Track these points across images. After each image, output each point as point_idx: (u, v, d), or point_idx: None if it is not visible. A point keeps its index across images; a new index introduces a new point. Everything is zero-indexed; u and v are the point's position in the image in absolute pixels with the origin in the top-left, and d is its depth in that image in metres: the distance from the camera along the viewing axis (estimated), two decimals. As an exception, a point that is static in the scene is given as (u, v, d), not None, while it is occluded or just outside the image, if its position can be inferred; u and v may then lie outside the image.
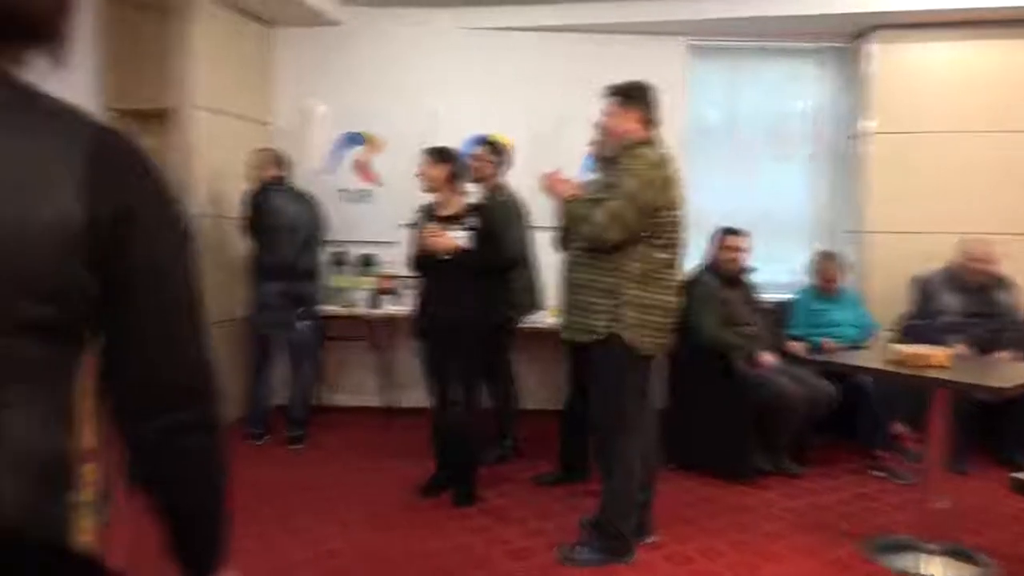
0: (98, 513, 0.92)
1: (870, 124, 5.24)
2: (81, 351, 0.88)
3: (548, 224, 4.89)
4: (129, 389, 0.90)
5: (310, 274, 4.74)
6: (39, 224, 0.79)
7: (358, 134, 5.44)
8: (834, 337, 4.56)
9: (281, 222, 4.53)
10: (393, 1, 5.27)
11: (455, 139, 4.67)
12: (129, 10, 4.82)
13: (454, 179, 3.75)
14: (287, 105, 5.45)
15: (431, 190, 3.75)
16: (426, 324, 3.77)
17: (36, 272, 0.79)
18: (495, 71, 5.38)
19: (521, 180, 4.68)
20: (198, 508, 0.99)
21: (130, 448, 0.92)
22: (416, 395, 4.65)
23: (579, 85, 5.14)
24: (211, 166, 4.78)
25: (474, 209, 3.76)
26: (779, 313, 4.91)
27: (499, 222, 4.12)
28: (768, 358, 4.26)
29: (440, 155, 3.73)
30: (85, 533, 0.88)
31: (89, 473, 0.91)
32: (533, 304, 4.42)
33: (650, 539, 3.27)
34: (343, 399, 5.49)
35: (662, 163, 2.94)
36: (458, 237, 3.64)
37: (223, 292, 4.81)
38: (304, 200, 4.71)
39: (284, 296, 4.58)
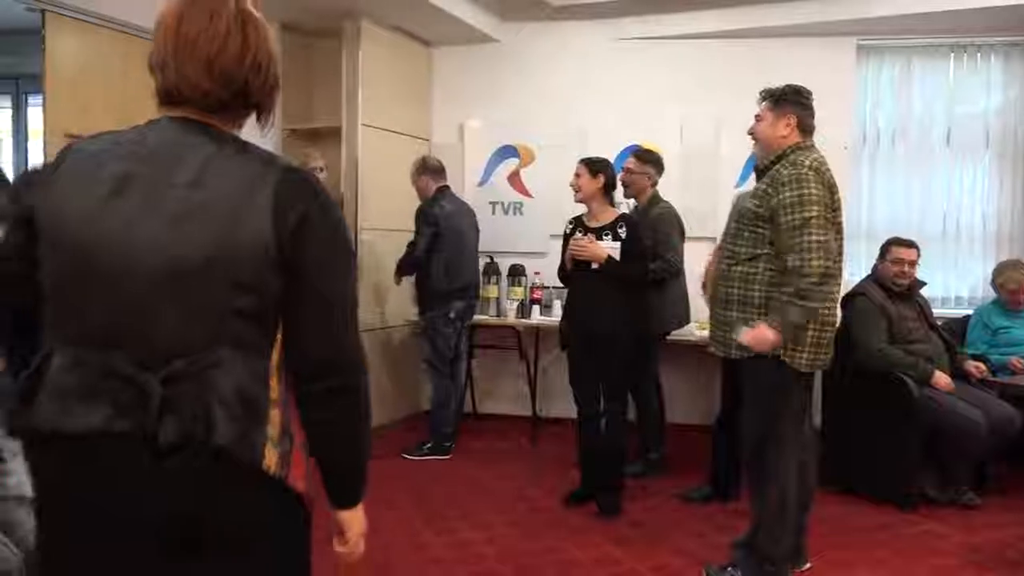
0: (280, 446, 1.21)
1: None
2: (272, 331, 1.23)
3: (702, 235, 4.86)
4: (296, 361, 1.24)
5: (477, 287, 4.89)
6: (243, 241, 1.15)
7: (511, 147, 5.57)
8: (1020, 356, 4.16)
9: (464, 238, 4.67)
10: (549, 16, 5.35)
11: (607, 150, 4.66)
12: (302, 37, 5.20)
13: (607, 190, 3.76)
14: (444, 121, 5.66)
15: (583, 200, 3.78)
16: (572, 334, 3.79)
17: (241, 273, 1.15)
18: (649, 81, 5.33)
19: (675, 190, 4.62)
20: (337, 455, 1.30)
21: (298, 402, 1.25)
22: (563, 405, 4.68)
23: (738, 92, 4.98)
24: (375, 181, 5.04)
25: (624, 221, 3.75)
26: (956, 330, 4.55)
27: (654, 234, 4.10)
28: (943, 378, 3.94)
29: (595, 165, 3.75)
30: (271, 460, 1.19)
31: (275, 416, 1.21)
32: (684, 316, 4.34)
33: (805, 566, 3.11)
34: (492, 407, 5.62)
35: (821, 167, 2.81)
36: (608, 248, 3.64)
37: (378, 299, 5.05)
38: (470, 212, 4.84)
39: (465, 310, 4.74)
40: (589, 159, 3.80)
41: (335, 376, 1.24)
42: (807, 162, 2.78)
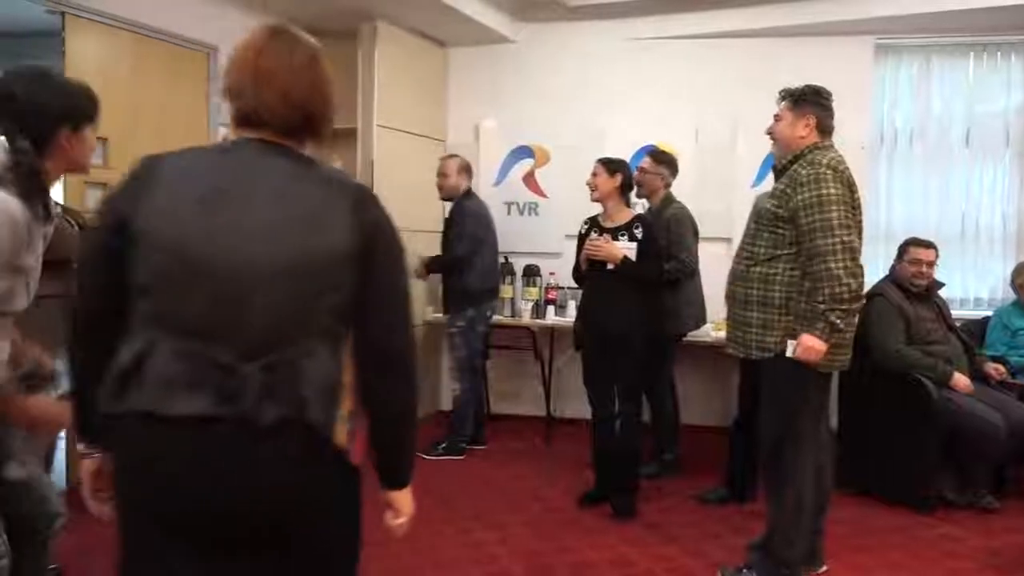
0: (349, 424, 1.37)
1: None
2: (349, 323, 1.40)
3: (717, 236, 4.84)
4: (362, 349, 1.41)
5: None
6: (327, 246, 1.33)
7: (526, 147, 5.57)
8: (1040, 358, 4.12)
9: (492, 238, 4.72)
10: (564, 16, 5.35)
11: (622, 151, 4.65)
12: (318, 38, 5.19)
13: (623, 190, 3.75)
14: (459, 121, 5.67)
15: (600, 199, 3.77)
16: (587, 335, 3.78)
17: (328, 274, 1.34)
18: (665, 81, 5.31)
19: (691, 191, 4.60)
20: (393, 437, 1.49)
21: (360, 387, 1.42)
22: (578, 405, 4.66)
23: (755, 92, 4.96)
24: (391, 181, 5.04)
25: (640, 221, 3.74)
26: (976, 331, 4.50)
27: (668, 235, 4.10)
28: (962, 380, 3.90)
29: (612, 165, 3.75)
30: (341, 436, 1.35)
31: (347, 398, 1.37)
32: (700, 317, 4.32)
33: (821, 568, 3.09)
34: (506, 408, 5.62)
35: (839, 166, 2.78)
36: (624, 248, 3.63)
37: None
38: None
39: (494, 309, 4.74)
40: (607, 159, 3.80)
41: (394, 365, 1.43)
42: (825, 161, 2.76)
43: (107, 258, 1.34)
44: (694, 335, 4.40)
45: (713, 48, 5.23)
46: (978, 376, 4.06)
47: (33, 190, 1.88)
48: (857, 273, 2.71)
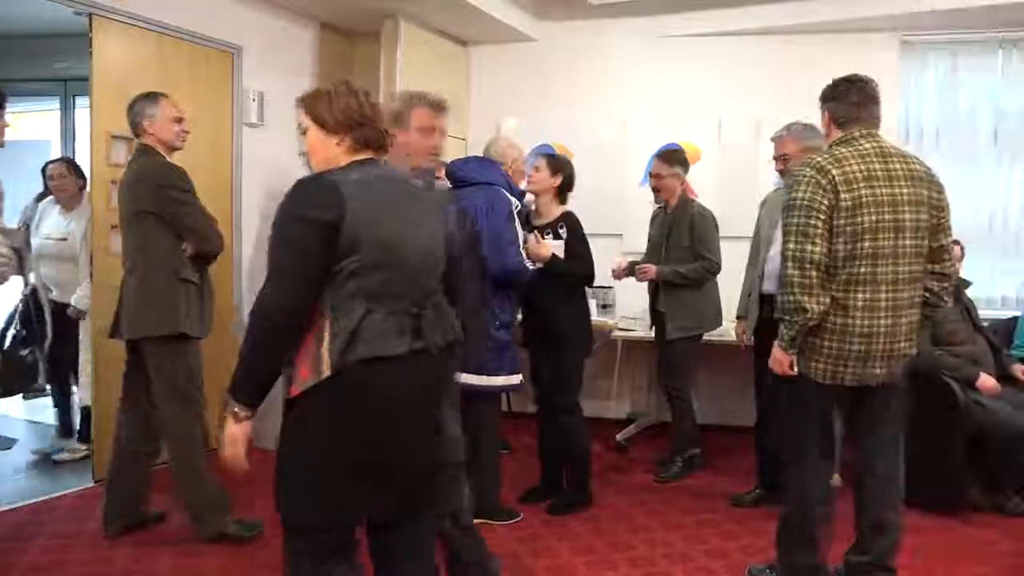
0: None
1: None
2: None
3: (739, 234, 4.81)
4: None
5: None
6: (448, 235, 2.07)
7: (548, 146, 5.55)
8: (1071, 360, 4.06)
9: None
10: (586, 14, 5.35)
11: (644, 148, 4.64)
12: (342, 37, 5.26)
13: (561, 191, 3.72)
14: (481, 120, 5.66)
15: (535, 192, 3.72)
16: (529, 332, 3.80)
17: (438, 261, 2.02)
18: (688, 79, 5.30)
19: (713, 188, 4.57)
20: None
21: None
22: (590, 403, 4.62)
23: (778, 89, 4.95)
24: (412, 180, 5.07)
25: (564, 220, 3.69)
26: (1004, 331, 4.44)
27: (692, 233, 4.10)
28: (988, 381, 3.84)
29: (557, 165, 3.71)
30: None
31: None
32: (712, 319, 4.29)
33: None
34: (520, 405, 5.61)
35: (828, 164, 2.57)
36: (553, 246, 3.60)
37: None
38: None
39: None
40: (553, 156, 3.77)
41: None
42: (816, 160, 2.62)
43: (319, 257, 1.78)
44: (716, 334, 4.38)
45: (736, 45, 5.20)
46: (1005, 377, 4.00)
47: None
48: (805, 285, 2.53)
